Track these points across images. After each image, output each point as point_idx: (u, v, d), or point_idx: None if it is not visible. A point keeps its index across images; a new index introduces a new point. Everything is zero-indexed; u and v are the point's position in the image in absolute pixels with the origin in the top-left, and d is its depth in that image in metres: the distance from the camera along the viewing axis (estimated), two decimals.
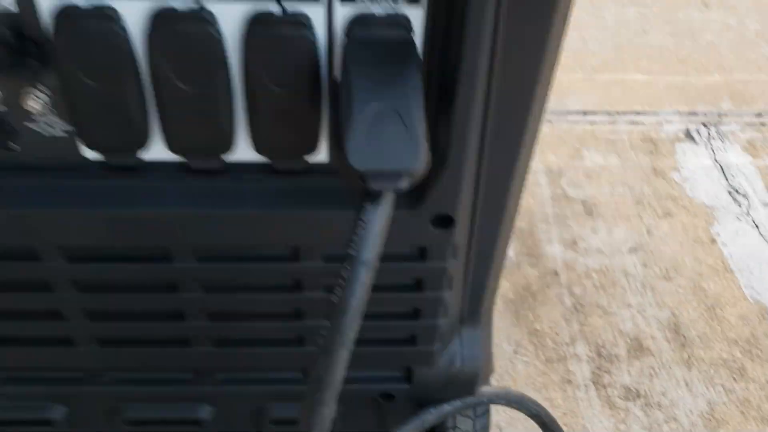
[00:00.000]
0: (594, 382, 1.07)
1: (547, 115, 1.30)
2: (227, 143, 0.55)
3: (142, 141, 0.55)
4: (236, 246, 0.61)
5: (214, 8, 0.48)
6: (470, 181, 0.57)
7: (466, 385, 0.76)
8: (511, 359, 1.09)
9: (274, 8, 0.49)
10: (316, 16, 0.49)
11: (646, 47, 1.71)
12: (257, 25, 0.49)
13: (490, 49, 0.48)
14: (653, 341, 1.12)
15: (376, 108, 0.48)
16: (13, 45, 0.50)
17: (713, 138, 1.48)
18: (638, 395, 1.06)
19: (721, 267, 1.24)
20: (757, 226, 1.31)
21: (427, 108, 0.47)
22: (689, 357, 1.11)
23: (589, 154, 1.43)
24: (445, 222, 0.59)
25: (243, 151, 0.56)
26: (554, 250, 1.24)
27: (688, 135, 1.48)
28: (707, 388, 1.07)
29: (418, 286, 0.65)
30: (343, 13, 0.49)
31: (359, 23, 0.50)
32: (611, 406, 1.04)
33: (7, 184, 0.56)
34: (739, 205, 1.35)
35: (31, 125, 0.54)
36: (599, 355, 1.10)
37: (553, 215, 1.30)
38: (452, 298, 0.67)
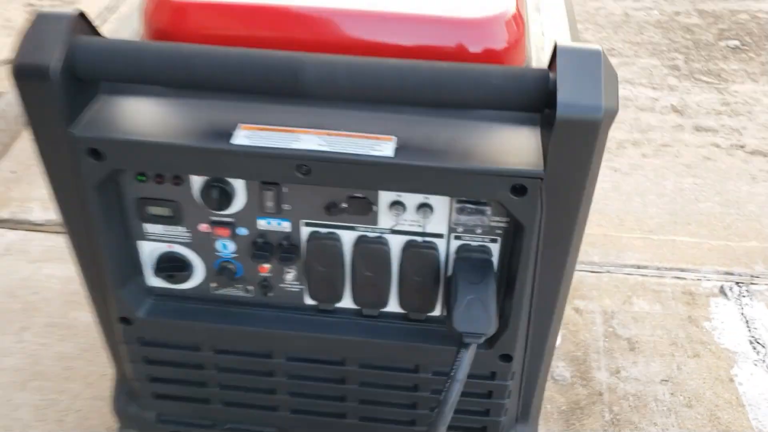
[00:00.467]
0: None
1: (606, 267, 1.74)
2: (385, 302, 1.01)
3: (339, 298, 1.01)
4: (384, 360, 1.05)
5: (387, 236, 0.94)
6: (522, 335, 0.99)
7: None
8: None
9: (419, 239, 0.94)
10: (441, 244, 0.95)
11: (697, 214, 2.10)
12: (409, 247, 0.95)
13: (534, 264, 0.91)
14: None
15: (469, 298, 0.92)
16: (286, 247, 0.97)
17: (743, 295, 1.83)
18: None
19: (735, 402, 1.58)
20: None
21: (498, 298, 0.91)
22: None
23: (638, 302, 1.81)
24: (507, 358, 1.02)
25: (392, 306, 1.01)
26: (601, 376, 1.62)
27: (722, 291, 1.84)
28: None
29: (489, 395, 1.07)
30: (455, 244, 0.94)
31: (463, 249, 0.95)
32: None
33: (264, 313, 1.03)
34: (757, 353, 1.69)
35: (284, 285, 1.02)
36: None
37: (603, 348, 1.69)
38: (510, 403, 1.09)
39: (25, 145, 2.31)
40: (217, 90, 0.88)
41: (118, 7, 3.16)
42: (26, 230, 1.99)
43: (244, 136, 0.87)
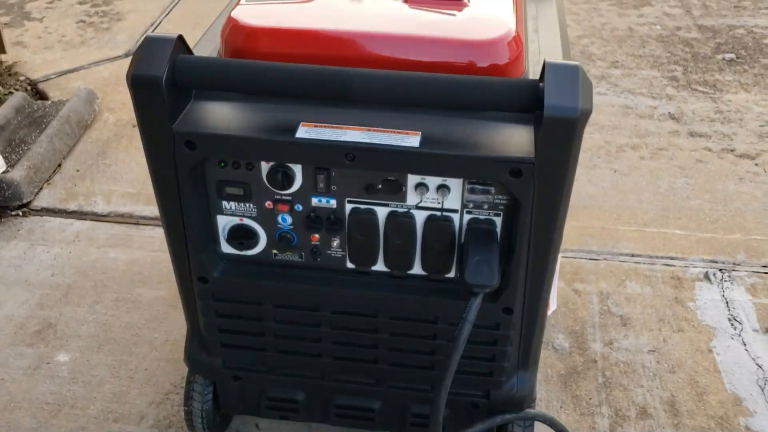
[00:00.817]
0: (610, 431, 1.66)
1: (603, 255, 2.00)
2: (411, 265, 1.26)
3: (374, 262, 1.27)
4: (410, 313, 1.30)
5: (413, 212, 1.20)
6: (520, 292, 1.24)
7: (518, 404, 1.40)
8: (557, 411, 1.70)
9: (438, 213, 1.20)
10: (455, 217, 1.20)
11: (687, 210, 2.33)
12: (430, 220, 1.21)
13: (528, 233, 1.17)
14: (654, 410, 1.71)
15: (477, 259, 1.17)
16: (333, 221, 1.23)
17: (725, 280, 2.07)
18: None
19: (713, 369, 1.81)
20: (744, 344, 1.87)
21: (500, 260, 1.16)
22: (678, 423, 1.68)
23: (631, 285, 2.05)
24: (508, 311, 1.27)
25: (416, 269, 1.27)
26: (596, 346, 1.86)
27: (706, 276, 2.08)
28: None
29: (494, 343, 1.32)
30: (466, 218, 1.20)
31: (473, 221, 1.20)
32: None
33: (313, 274, 1.29)
34: (735, 329, 1.92)
35: (330, 252, 1.27)
36: (616, 414, 1.70)
37: (598, 323, 1.93)
38: (512, 351, 1.33)
39: (86, 147, 2.60)
40: (283, 96, 1.15)
41: (161, 23, 3.46)
42: (92, 220, 2.27)
43: (304, 132, 1.14)
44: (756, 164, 2.54)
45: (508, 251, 1.22)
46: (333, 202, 1.23)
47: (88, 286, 2.02)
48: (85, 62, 3.10)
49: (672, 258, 2.15)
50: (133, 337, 1.88)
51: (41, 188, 2.38)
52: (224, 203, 1.26)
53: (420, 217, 1.22)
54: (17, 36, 3.33)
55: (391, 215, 1.22)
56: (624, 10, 3.63)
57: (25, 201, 2.29)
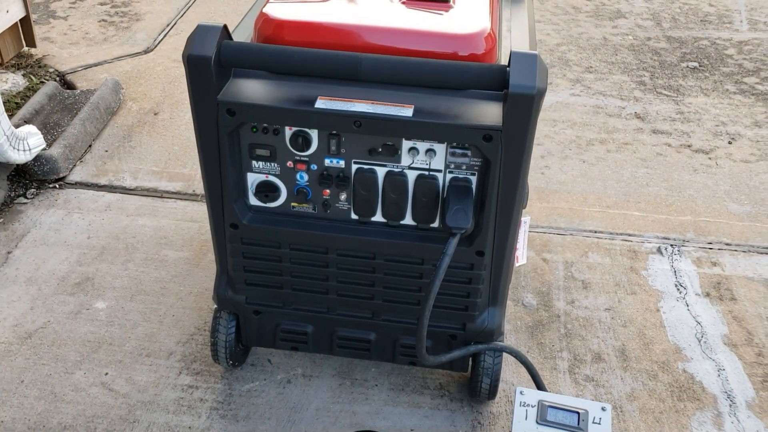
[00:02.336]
0: (569, 371, 1.97)
1: (570, 231, 2.32)
2: (403, 216, 1.57)
3: (374, 213, 1.57)
4: (401, 255, 1.60)
5: (406, 171, 1.51)
6: (491, 236, 1.55)
7: (489, 335, 1.71)
8: (527, 356, 2.01)
9: (426, 173, 1.51)
10: (440, 176, 1.51)
11: (646, 195, 2.65)
12: (420, 178, 1.52)
13: (497, 188, 1.47)
14: (607, 356, 2.02)
15: (456, 208, 1.48)
16: (341, 178, 1.54)
17: (674, 254, 2.38)
18: (592, 380, 1.95)
19: (659, 324, 2.12)
20: (687, 305, 2.19)
21: (474, 209, 1.47)
22: (627, 366, 1.99)
23: (592, 255, 2.36)
24: (480, 254, 1.58)
25: (408, 219, 1.57)
26: (560, 305, 2.17)
27: (659, 250, 2.40)
28: (633, 381, 1.95)
29: (469, 281, 1.62)
30: (449, 177, 1.51)
31: (453, 180, 1.51)
32: (575, 383, 1.94)
33: (324, 223, 1.59)
34: (680, 293, 2.23)
35: (338, 205, 1.58)
36: (575, 358, 2.01)
37: (563, 286, 2.24)
38: (483, 289, 1.64)
39: (113, 131, 2.89)
40: (305, 75, 1.45)
41: (177, 24, 3.76)
42: (121, 193, 2.56)
43: (322, 103, 1.44)
44: (709, 158, 2.87)
45: (481, 204, 1.53)
46: (342, 163, 1.53)
47: (120, 248, 2.32)
48: (108, 57, 3.40)
49: (630, 234, 2.47)
50: (161, 289, 2.17)
51: (75, 165, 2.67)
52: (254, 162, 1.56)
53: (411, 176, 1.53)
54: (44, 32, 3.62)
55: (389, 174, 1.53)
56: (600, 22, 3.96)
57: (61, 175, 2.59)
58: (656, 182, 2.73)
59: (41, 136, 2.51)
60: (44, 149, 2.56)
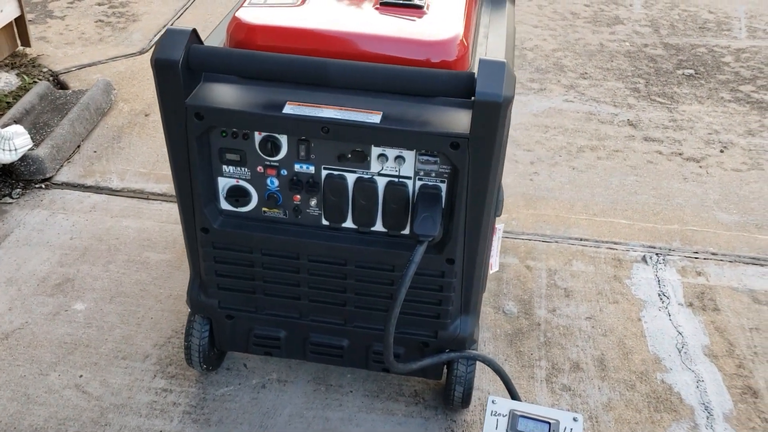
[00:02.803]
0: (546, 380, 1.95)
1: (555, 238, 2.30)
2: (373, 223, 1.56)
3: (344, 219, 1.57)
4: (372, 262, 1.60)
5: (376, 178, 1.50)
6: (461, 244, 1.54)
7: (461, 344, 1.70)
8: (502, 363, 1.99)
9: (396, 179, 1.50)
10: (410, 183, 1.50)
11: (634, 203, 2.63)
12: (390, 185, 1.51)
13: (465, 195, 1.47)
14: (586, 365, 2.00)
15: (424, 215, 1.47)
16: (311, 184, 1.53)
17: (659, 263, 2.36)
18: (569, 389, 1.93)
19: (639, 334, 2.10)
20: (669, 315, 2.17)
21: (444, 217, 1.46)
22: (605, 375, 1.97)
23: (576, 263, 2.35)
24: (450, 261, 1.56)
25: (378, 226, 1.57)
26: (541, 313, 2.16)
27: (644, 259, 2.38)
28: (611, 391, 1.93)
29: (440, 289, 1.61)
30: (418, 184, 1.50)
31: (423, 187, 1.51)
32: (552, 392, 1.92)
33: (295, 229, 1.59)
34: (662, 302, 2.22)
35: (309, 210, 1.57)
36: (553, 367, 1.99)
37: (545, 294, 2.22)
38: (455, 297, 1.63)
39: (103, 132, 2.90)
40: (274, 80, 1.45)
41: (174, 25, 3.77)
42: (107, 194, 2.57)
43: (290, 108, 1.44)
44: (700, 166, 2.85)
45: (450, 211, 1.52)
46: (312, 168, 1.53)
47: (103, 249, 2.32)
48: (102, 57, 3.41)
49: (615, 243, 2.45)
50: (141, 291, 2.17)
51: (62, 165, 2.67)
52: (224, 167, 1.56)
53: (381, 182, 1.52)
54: (40, 32, 3.63)
55: (358, 180, 1.52)
56: (597, 28, 3.95)
57: (47, 176, 2.59)
58: (645, 190, 2.71)
59: (28, 136, 2.52)
60: (31, 149, 2.56)
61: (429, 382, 1.93)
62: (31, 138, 2.65)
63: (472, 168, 1.43)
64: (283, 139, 1.50)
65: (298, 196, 1.57)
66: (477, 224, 1.52)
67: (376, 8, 1.59)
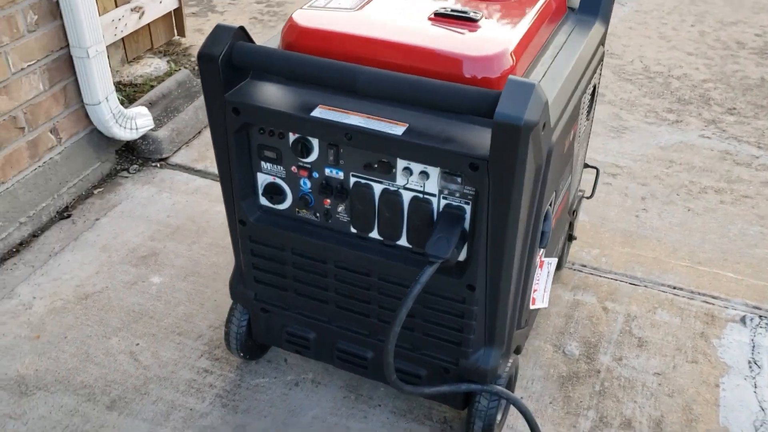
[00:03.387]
0: None
1: (645, 282, 2.13)
2: (399, 236, 1.52)
3: (371, 229, 1.54)
4: (395, 276, 1.56)
5: (401, 191, 1.46)
6: (482, 272, 1.46)
7: (482, 376, 1.61)
8: (546, 406, 1.86)
9: (421, 195, 1.45)
10: (434, 201, 1.45)
11: (749, 257, 2.35)
12: (414, 200, 1.46)
13: (486, 219, 1.39)
14: (639, 425, 1.82)
15: (439, 236, 1.41)
16: (340, 190, 1.52)
17: (760, 326, 2.09)
18: None
19: (712, 402, 1.88)
20: (755, 387, 1.92)
21: (466, 240, 1.39)
22: None
23: (661, 313, 2.14)
24: (471, 287, 1.49)
25: (403, 241, 1.52)
26: (605, 359, 1.99)
27: (742, 320, 2.12)
28: None
29: (461, 316, 1.54)
30: (443, 202, 1.44)
31: (447, 206, 1.45)
32: None
33: (324, 232, 1.59)
34: (751, 371, 1.96)
35: (338, 216, 1.56)
36: (600, 420, 1.83)
37: (615, 340, 2.05)
38: (477, 326, 1.55)
39: None
40: (307, 82, 1.46)
41: None
42: (212, 180, 2.71)
43: (319, 112, 1.44)
44: None
45: (472, 235, 1.45)
46: (341, 174, 1.52)
47: (192, 230, 2.45)
48: None
49: (714, 297, 2.20)
50: (214, 274, 2.27)
51: (180, 148, 2.87)
52: (262, 163, 1.59)
53: (407, 196, 1.48)
54: (199, 24, 3.92)
55: (384, 192, 1.49)
56: (764, 60, 3.57)
57: (164, 156, 2.79)
58: (767, 244, 2.41)
59: (150, 117, 2.73)
60: (152, 130, 2.77)
61: (461, 411, 1.85)
62: (160, 120, 2.87)
63: (492, 192, 1.35)
64: (315, 142, 1.50)
65: (328, 201, 1.57)
66: (499, 252, 1.43)
67: (430, 18, 1.55)
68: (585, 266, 2.31)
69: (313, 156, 1.52)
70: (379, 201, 1.50)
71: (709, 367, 1.98)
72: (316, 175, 1.55)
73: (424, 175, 1.43)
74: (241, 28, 1.49)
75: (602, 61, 1.84)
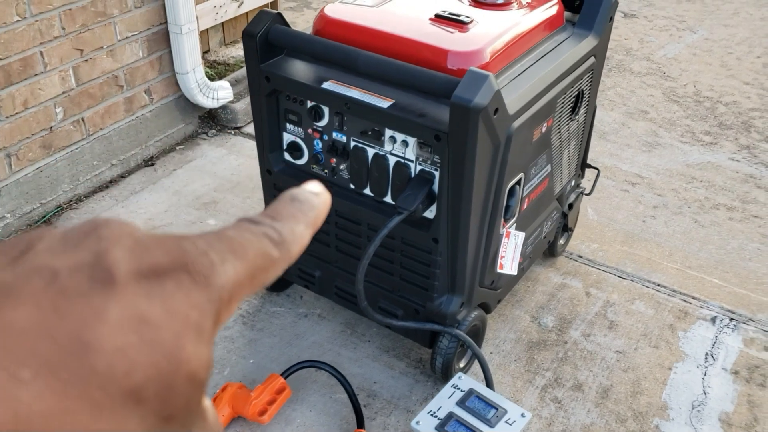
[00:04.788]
0: (541, 388, 2.08)
1: (632, 277, 2.42)
2: (385, 194, 1.88)
3: (364, 186, 1.90)
4: (379, 226, 1.91)
5: (389, 157, 1.82)
6: (444, 227, 1.79)
7: (443, 319, 1.93)
8: (510, 362, 2.15)
9: (402, 161, 1.80)
10: (412, 166, 1.79)
11: (740, 268, 2.54)
12: (397, 164, 1.81)
13: (447, 185, 1.72)
14: (588, 389, 2.08)
15: (408, 193, 1.76)
16: (342, 151, 1.89)
17: (728, 327, 2.29)
18: (558, 402, 2.04)
19: (661, 381, 2.11)
20: (704, 375, 2.13)
21: (434, 200, 1.73)
22: (601, 403, 2.04)
23: (638, 304, 2.37)
24: (436, 240, 1.82)
25: (389, 198, 1.88)
26: (575, 334, 2.26)
27: (713, 320, 2.32)
28: (598, 418, 2.00)
29: (428, 264, 1.87)
30: (418, 168, 1.79)
31: (420, 171, 1.79)
32: (540, 398, 2.05)
33: (331, 187, 1.96)
34: (706, 362, 2.17)
35: (342, 173, 1.93)
36: (555, 381, 2.10)
37: (589, 321, 2.31)
38: (441, 274, 1.87)
39: None
40: (324, 60, 1.84)
41: None
42: None
43: (328, 85, 1.81)
44: None
45: (440, 197, 1.77)
46: (344, 138, 1.88)
47: (250, 186, 2.89)
48: None
49: (693, 297, 2.41)
50: None
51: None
52: (287, 125, 1.98)
53: (392, 160, 1.82)
54: (294, 18, 4.39)
55: (375, 155, 1.84)
56: None
57: (238, 125, 3.25)
58: (763, 260, 2.58)
59: (230, 90, 3.19)
60: (231, 101, 3.23)
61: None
62: (239, 94, 3.33)
63: (451, 161, 1.68)
64: (326, 110, 1.88)
65: (334, 160, 1.94)
66: (457, 212, 1.76)
67: (430, 19, 1.89)
68: (581, 257, 2.57)
69: (324, 121, 1.89)
70: (371, 163, 1.86)
71: (668, 353, 2.21)
72: (326, 137, 1.92)
73: (405, 143, 1.78)
74: (279, 14, 1.88)
75: (593, 70, 2.12)
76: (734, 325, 2.31)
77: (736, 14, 4.69)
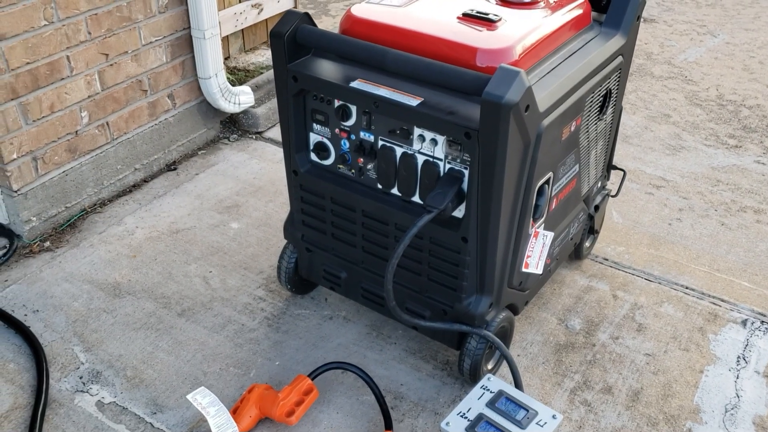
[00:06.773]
0: (571, 391, 2.05)
1: (659, 280, 2.39)
2: (413, 193, 1.87)
3: (392, 186, 1.89)
4: (407, 226, 1.89)
5: (417, 156, 1.80)
6: (474, 227, 1.77)
7: (471, 319, 1.91)
8: (538, 365, 2.13)
9: (431, 159, 1.79)
10: (441, 164, 1.78)
11: None
12: (425, 163, 1.80)
13: (477, 184, 1.70)
14: (618, 392, 2.05)
15: (438, 191, 1.74)
16: (370, 151, 1.88)
17: (758, 330, 2.26)
18: (588, 404, 2.01)
19: (692, 384, 2.08)
20: (737, 378, 2.09)
21: (464, 199, 1.72)
22: (631, 406, 2.01)
23: (667, 307, 2.34)
24: (465, 240, 1.80)
25: (417, 198, 1.86)
26: (603, 336, 2.23)
27: (743, 322, 2.29)
28: (629, 421, 1.97)
29: (456, 264, 1.86)
30: (447, 166, 1.77)
31: (450, 170, 1.77)
32: (570, 401, 2.02)
33: (358, 186, 1.95)
34: (738, 365, 2.14)
35: (369, 173, 1.92)
36: (584, 383, 2.07)
37: (617, 323, 2.28)
38: (470, 275, 1.85)
39: None
40: (351, 59, 1.83)
41: None
42: None
43: (356, 84, 1.80)
44: None
45: (469, 196, 1.76)
46: (372, 137, 1.87)
47: (272, 190, 2.88)
48: None
49: (723, 300, 2.38)
50: (281, 225, 2.68)
51: (274, 125, 3.32)
52: (314, 125, 1.97)
53: (420, 159, 1.81)
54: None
55: (404, 154, 1.83)
56: None
57: (260, 130, 3.25)
58: None
59: (252, 95, 3.19)
60: (253, 107, 3.24)
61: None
62: (261, 100, 3.33)
63: (481, 159, 1.67)
64: (353, 109, 1.87)
65: (361, 159, 1.93)
66: (487, 212, 1.74)
67: (458, 17, 1.88)
68: (607, 259, 2.54)
69: (351, 120, 1.89)
70: (399, 162, 1.85)
71: (699, 355, 2.18)
72: (353, 137, 1.91)
73: (434, 141, 1.77)
74: (306, 14, 1.88)
75: (620, 69, 2.10)
76: (766, 328, 2.27)
77: (758, 18, 4.66)
